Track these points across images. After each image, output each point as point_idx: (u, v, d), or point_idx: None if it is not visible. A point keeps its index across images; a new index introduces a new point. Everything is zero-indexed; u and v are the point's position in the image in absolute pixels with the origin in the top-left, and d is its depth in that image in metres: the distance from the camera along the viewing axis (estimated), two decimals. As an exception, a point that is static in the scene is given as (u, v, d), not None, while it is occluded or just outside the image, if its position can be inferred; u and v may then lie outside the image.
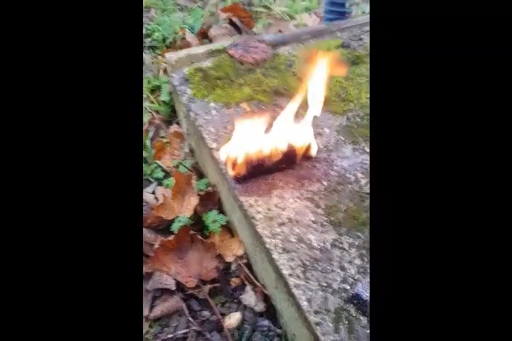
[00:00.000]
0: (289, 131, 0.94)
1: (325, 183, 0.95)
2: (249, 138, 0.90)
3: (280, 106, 1.12)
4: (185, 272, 1.00)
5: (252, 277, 0.99)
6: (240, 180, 0.94)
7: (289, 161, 0.96)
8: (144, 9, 2.03)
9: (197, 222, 1.10)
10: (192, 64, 1.27)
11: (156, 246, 0.99)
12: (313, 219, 0.88)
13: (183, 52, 1.32)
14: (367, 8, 1.80)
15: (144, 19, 1.96)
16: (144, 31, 1.86)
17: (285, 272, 0.78)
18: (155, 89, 1.49)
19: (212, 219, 1.06)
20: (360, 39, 1.32)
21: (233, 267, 1.03)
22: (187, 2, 2.07)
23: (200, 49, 1.34)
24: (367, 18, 1.47)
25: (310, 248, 0.82)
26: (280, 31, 1.72)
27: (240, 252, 1.02)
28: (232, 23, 1.79)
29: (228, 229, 1.08)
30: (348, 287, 0.75)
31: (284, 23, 1.73)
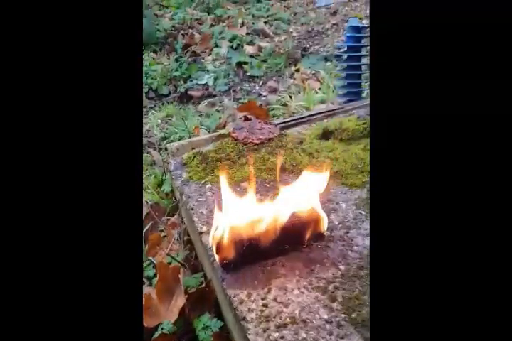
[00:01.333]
0: (293, 200, 0.76)
1: (342, 268, 0.71)
2: (238, 208, 0.72)
3: (287, 182, 0.95)
4: None
5: None
6: (229, 267, 0.73)
7: (295, 240, 0.75)
8: (165, 118, 2.09)
9: (186, 332, 0.84)
10: (192, 149, 1.17)
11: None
12: (325, 317, 0.62)
13: (184, 141, 1.25)
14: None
15: (165, 125, 2.00)
16: (163, 135, 1.88)
17: None
18: (160, 185, 1.39)
19: (203, 324, 0.81)
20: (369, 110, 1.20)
21: None
22: (207, 109, 2.13)
23: (204, 136, 1.26)
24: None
25: (321, 361, 0.55)
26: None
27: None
28: (247, 119, 1.76)
29: (225, 338, 0.81)
30: None
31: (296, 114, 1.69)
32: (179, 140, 1.80)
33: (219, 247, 0.71)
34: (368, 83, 1.53)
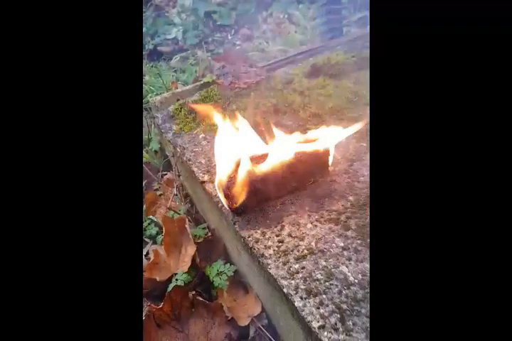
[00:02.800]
0: (295, 139, 0.74)
1: (351, 198, 0.70)
2: (241, 154, 0.70)
3: (282, 124, 0.93)
4: (187, 349, 0.72)
5: (279, 344, 0.70)
6: (239, 211, 0.71)
7: (301, 177, 0.74)
8: (139, 77, 2.00)
9: (200, 280, 0.85)
10: (177, 101, 1.12)
11: (143, 317, 0.74)
12: (342, 244, 0.62)
13: (167, 93, 1.19)
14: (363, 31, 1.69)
15: (139, 84, 1.91)
16: (138, 94, 1.79)
17: (314, 324, 0.51)
18: (146, 144, 1.35)
19: (217, 271, 0.81)
20: (365, 47, 1.16)
21: (252, 333, 0.74)
22: (180, 64, 2.04)
23: (187, 87, 1.21)
24: (366, 30, 1.33)
25: (345, 284, 0.56)
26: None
27: (257, 311, 0.75)
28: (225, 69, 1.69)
29: (239, 283, 0.82)
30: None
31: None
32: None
33: (229, 193, 0.70)
34: (347, 20, 1.48)
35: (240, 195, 0.70)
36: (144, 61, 2.10)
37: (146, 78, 1.96)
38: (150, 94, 1.75)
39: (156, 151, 1.24)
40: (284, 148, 0.72)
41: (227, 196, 0.71)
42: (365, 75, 1.03)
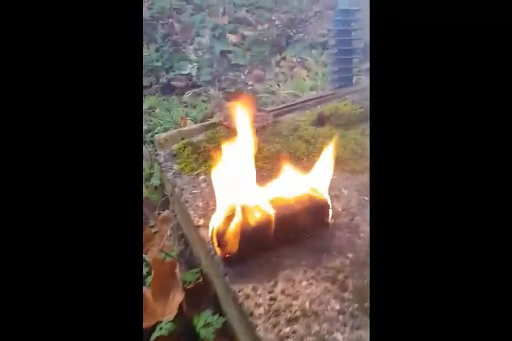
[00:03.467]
0: (296, 186, 0.72)
1: (350, 255, 0.67)
2: (237, 192, 0.68)
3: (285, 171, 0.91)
4: None
5: None
6: (232, 261, 0.68)
7: (300, 229, 0.71)
8: (149, 110, 2.02)
9: (186, 330, 0.80)
10: (181, 140, 1.12)
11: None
12: (338, 308, 0.58)
13: (173, 131, 1.19)
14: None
15: (148, 117, 1.93)
16: (147, 127, 1.81)
17: None
18: (148, 178, 1.33)
19: (205, 321, 0.76)
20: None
21: None
22: (192, 99, 2.07)
23: (194, 126, 1.21)
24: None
25: (339, 355, 0.52)
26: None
27: (242, 371, 0.70)
28: (235, 109, 1.71)
29: (227, 336, 0.77)
30: None
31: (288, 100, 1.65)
32: (165, 131, 1.74)
33: (221, 240, 0.67)
34: (358, 69, 1.51)
35: (233, 245, 0.68)
36: (157, 94, 2.14)
37: (156, 111, 1.98)
38: (158, 128, 1.76)
39: (155, 187, 1.23)
40: (283, 197, 0.70)
41: (219, 244, 0.69)
42: (373, 127, 1.02)
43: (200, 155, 1.01)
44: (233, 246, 0.67)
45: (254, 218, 0.67)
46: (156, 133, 1.75)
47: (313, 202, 0.71)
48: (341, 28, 1.34)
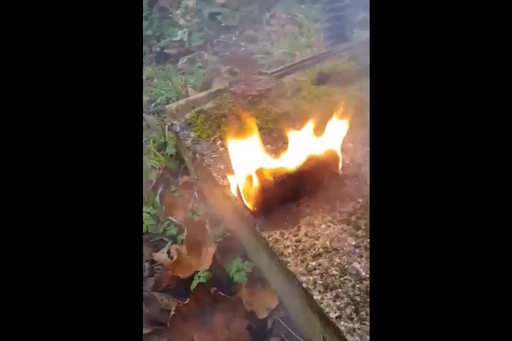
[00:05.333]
0: (308, 146, 0.80)
1: (360, 200, 0.77)
2: (257, 159, 0.77)
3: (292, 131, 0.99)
4: (212, 340, 0.80)
5: (294, 333, 0.77)
6: (259, 213, 0.78)
7: (314, 181, 0.80)
8: (147, 80, 2.06)
9: (220, 276, 0.92)
10: (193, 109, 1.18)
11: (172, 312, 0.81)
12: (354, 243, 0.69)
13: (182, 101, 1.25)
14: (365, 33, 1.74)
15: (148, 87, 1.97)
16: (148, 98, 1.85)
17: (332, 315, 0.58)
18: (161, 147, 1.41)
19: (237, 267, 0.88)
20: (368, 53, 1.22)
21: (269, 324, 0.82)
22: (187, 66, 2.10)
23: (201, 94, 1.27)
24: (367, 34, 1.39)
25: (358, 279, 0.63)
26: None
27: (275, 304, 0.82)
28: (233, 72, 1.76)
29: (257, 279, 0.89)
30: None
31: (286, 63, 1.69)
32: (167, 101, 1.79)
33: (249, 197, 0.76)
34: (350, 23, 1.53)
35: (258, 199, 0.77)
36: (152, 64, 2.16)
37: (155, 81, 2.02)
38: (160, 97, 1.81)
39: (171, 155, 1.31)
40: (297, 155, 0.79)
41: (247, 200, 0.78)
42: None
43: (214, 122, 1.09)
44: (258, 200, 0.77)
45: (270, 178, 0.76)
46: (159, 103, 1.81)
47: (326, 157, 0.80)
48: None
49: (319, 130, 0.84)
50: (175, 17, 2.59)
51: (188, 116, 1.15)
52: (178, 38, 2.35)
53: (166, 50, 2.28)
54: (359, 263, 0.65)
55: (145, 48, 2.37)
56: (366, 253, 0.67)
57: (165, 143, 1.38)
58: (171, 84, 1.84)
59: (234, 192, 0.82)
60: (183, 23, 2.50)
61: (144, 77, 2.10)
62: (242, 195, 0.79)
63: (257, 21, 2.38)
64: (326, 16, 1.46)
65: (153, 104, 1.81)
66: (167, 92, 1.81)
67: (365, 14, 1.99)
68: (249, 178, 0.77)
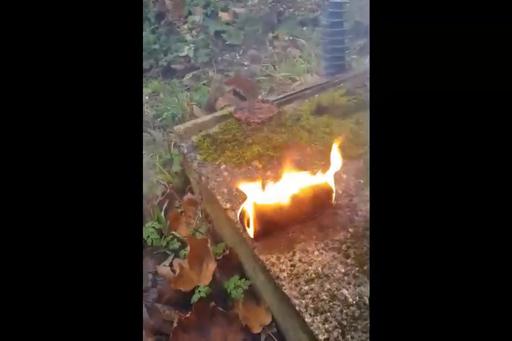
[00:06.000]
0: (305, 180, 0.89)
1: (351, 230, 0.86)
2: (262, 191, 0.85)
3: (292, 159, 1.08)
4: (210, 351, 0.88)
5: (286, 349, 0.86)
6: (258, 237, 0.87)
7: (309, 210, 0.89)
8: (152, 94, 2.14)
9: (219, 292, 1.00)
10: (200, 132, 1.27)
11: (174, 324, 0.89)
12: (343, 270, 0.78)
13: (189, 123, 1.34)
14: (365, 61, 1.84)
15: (153, 102, 2.05)
16: (154, 112, 1.94)
17: (321, 337, 0.67)
18: (166, 163, 1.49)
19: (234, 284, 0.96)
20: (364, 85, 1.32)
21: (262, 339, 0.90)
22: (192, 82, 2.18)
23: (207, 117, 1.36)
24: (366, 65, 1.49)
25: (346, 305, 0.71)
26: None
27: (268, 320, 0.90)
28: (236, 93, 1.85)
29: (253, 296, 0.97)
30: (398, 346, 0.63)
31: (286, 87, 1.78)
32: (172, 117, 1.87)
33: (249, 222, 0.85)
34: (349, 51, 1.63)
35: (259, 225, 0.86)
36: (159, 78, 2.24)
37: (160, 95, 2.10)
38: (166, 113, 1.89)
39: (176, 172, 1.39)
40: (293, 187, 0.88)
41: (249, 224, 0.86)
42: (364, 116, 1.18)
43: (219, 147, 1.17)
44: (257, 227, 0.85)
45: (270, 208, 0.84)
46: (164, 118, 1.89)
47: (321, 188, 0.89)
48: (334, 20, 1.46)
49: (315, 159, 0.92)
50: (182, 32, 2.69)
51: (194, 139, 1.23)
52: (184, 54, 2.44)
53: (172, 65, 2.37)
54: (347, 289, 0.74)
55: (151, 62, 2.45)
56: (354, 281, 0.75)
57: (171, 160, 1.47)
58: (176, 100, 1.92)
59: (238, 217, 0.91)
60: (190, 39, 2.59)
61: (150, 90, 2.19)
62: (243, 220, 0.88)
63: (260, 41, 2.48)
64: (325, 46, 1.54)
65: (159, 119, 1.89)
66: (172, 108, 1.89)
67: (364, 41, 2.10)
68: (247, 208, 0.86)
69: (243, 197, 0.97)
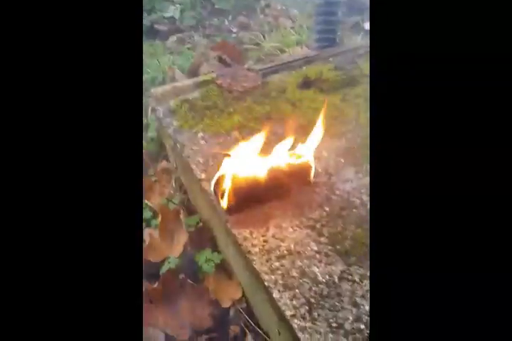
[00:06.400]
0: (285, 154, 0.86)
1: (327, 209, 0.84)
2: (239, 162, 0.82)
3: (274, 132, 1.04)
4: (175, 323, 0.86)
5: (253, 323, 0.85)
6: (232, 210, 0.84)
7: (286, 187, 0.86)
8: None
9: (189, 265, 0.98)
10: (178, 96, 1.21)
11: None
12: (316, 249, 0.76)
13: (168, 86, 1.28)
14: (357, 38, 1.79)
15: (134, 63, 1.95)
16: (134, 74, 1.84)
17: (288, 313, 0.66)
18: (145, 129, 1.43)
19: (206, 258, 0.94)
20: (355, 62, 1.28)
21: (231, 313, 0.89)
22: (176, 46, 2.09)
23: (187, 81, 1.30)
24: (358, 43, 1.44)
25: (315, 282, 0.70)
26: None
27: (238, 295, 0.89)
28: (221, 60, 1.77)
29: (224, 270, 0.96)
30: (362, 326, 0.62)
31: (274, 57, 1.72)
32: (152, 80, 1.79)
33: (224, 195, 0.82)
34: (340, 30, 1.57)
35: (234, 198, 0.83)
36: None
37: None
38: (145, 75, 1.81)
39: (152, 138, 1.33)
40: (275, 161, 0.84)
41: (223, 197, 0.83)
42: (351, 93, 1.15)
43: (197, 113, 1.12)
44: (233, 198, 0.82)
45: (249, 180, 0.81)
46: (144, 81, 1.80)
47: (300, 165, 0.86)
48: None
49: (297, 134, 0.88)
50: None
51: (172, 103, 1.18)
52: (169, 14, 2.32)
53: (156, 26, 2.25)
54: (318, 267, 0.72)
55: (134, 21, 2.32)
56: (325, 259, 0.74)
57: (148, 126, 1.41)
58: (157, 63, 1.84)
59: (211, 187, 0.87)
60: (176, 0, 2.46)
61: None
62: (217, 191, 0.85)
63: (251, 8, 2.38)
64: (318, 17, 1.48)
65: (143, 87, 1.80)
66: (153, 71, 1.81)
67: (358, 18, 2.03)
68: (223, 178, 0.83)
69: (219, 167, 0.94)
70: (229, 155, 0.81)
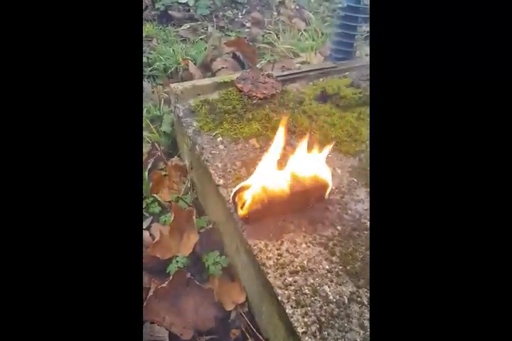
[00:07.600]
0: (306, 169, 0.89)
1: (339, 228, 0.89)
2: (263, 176, 0.85)
3: (290, 143, 1.07)
4: (180, 322, 0.90)
5: (254, 329, 0.90)
6: (248, 220, 0.87)
7: (302, 201, 0.90)
8: (145, 39, 2.02)
9: (196, 265, 1.01)
10: (198, 96, 1.22)
11: (150, 293, 0.90)
12: (327, 267, 0.81)
13: (188, 83, 1.28)
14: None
15: (146, 48, 1.94)
16: (145, 60, 1.83)
17: (299, 330, 0.70)
18: (155, 119, 1.44)
19: (214, 260, 0.97)
20: (368, 78, 1.31)
21: (233, 316, 0.93)
22: (189, 34, 2.07)
23: (206, 81, 1.31)
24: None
25: (326, 301, 0.75)
26: (283, 67, 1.71)
27: (241, 300, 0.93)
28: (235, 57, 1.78)
29: (229, 273, 0.99)
30: (371, 349, 0.67)
31: (288, 61, 1.73)
32: (164, 69, 1.78)
33: (244, 205, 0.85)
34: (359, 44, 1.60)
35: (251, 208, 0.86)
36: (154, 23, 2.10)
37: (153, 42, 1.98)
38: (157, 63, 1.80)
39: (164, 132, 1.34)
40: (295, 177, 0.88)
41: (242, 206, 0.87)
42: (367, 112, 1.19)
43: (217, 116, 1.14)
44: (251, 210, 0.86)
45: (270, 193, 0.85)
46: (156, 69, 1.79)
47: (318, 180, 0.89)
48: (351, 5, 1.41)
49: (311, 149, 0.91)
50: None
51: (192, 102, 1.19)
52: (184, 0, 2.29)
53: (169, 11, 2.22)
54: (329, 287, 0.77)
55: (148, 2, 2.28)
56: (336, 279, 0.78)
57: (159, 117, 1.41)
58: (171, 51, 1.82)
59: (232, 195, 0.90)
60: (192, -15, 2.42)
61: (144, 34, 2.05)
62: (237, 200, 0.88)
63: (266, 4, 2.37)
64: (336, 29, 1.50)
65: (149, 68, 1.79)
66: (166, 60, 1.80)
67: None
68: (244, 189, 0.86)
69: (237, 176, 0.97)
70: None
